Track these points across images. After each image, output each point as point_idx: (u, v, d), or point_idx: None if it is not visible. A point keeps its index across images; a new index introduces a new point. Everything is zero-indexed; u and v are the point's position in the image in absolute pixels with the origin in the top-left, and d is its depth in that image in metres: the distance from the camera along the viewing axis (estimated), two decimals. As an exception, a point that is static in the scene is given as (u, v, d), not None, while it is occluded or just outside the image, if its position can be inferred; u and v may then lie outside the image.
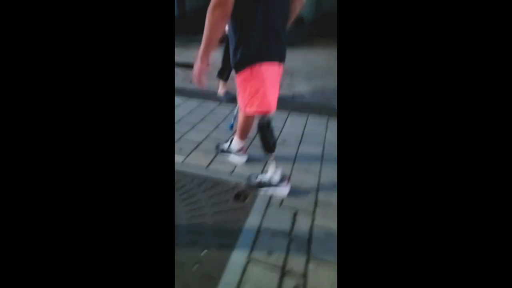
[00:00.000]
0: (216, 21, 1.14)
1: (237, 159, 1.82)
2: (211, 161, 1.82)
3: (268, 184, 1.55)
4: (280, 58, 1.37)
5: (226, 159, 1.85)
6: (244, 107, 1.45)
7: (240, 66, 1.31)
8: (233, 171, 1.74)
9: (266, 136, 1.48)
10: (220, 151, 1.91)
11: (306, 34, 5.67)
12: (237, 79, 1.38)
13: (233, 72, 1.41)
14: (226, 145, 1.87)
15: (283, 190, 1.55)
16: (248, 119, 1.65)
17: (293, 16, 1.42)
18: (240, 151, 1.81)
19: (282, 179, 1.54)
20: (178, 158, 1.83)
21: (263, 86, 1.35)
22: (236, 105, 1.94)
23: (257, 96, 1.37)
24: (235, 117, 1.95)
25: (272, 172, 1.54)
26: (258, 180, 1.59)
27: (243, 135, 1.76)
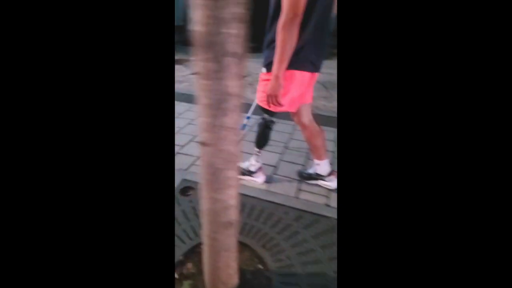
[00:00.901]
0: (291, 35, 1.10)
1: (331, 185, 1.64)
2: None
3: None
4: (315, 67, 1.34)
5: (316, 185, 1.67)
6: (260, 100, 1.43)
7: (271, 67, 1.24)
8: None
9: (264, 133, 1.54)
10: (305, 178, 1.72)
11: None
12: (263, 77, 1.35)
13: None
14: (311, 170, 1.69)
15: (259, 179, 1.69)
16: (315, 135, 1.53)
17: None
18: (331, 174, 1.63)
19: (258, 170, 1.69)
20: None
21: (290, 92, 1.33)
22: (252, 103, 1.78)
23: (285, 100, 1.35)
24: (249, 117, 1.78)
25: (251, 163, 1.67)
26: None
27: (321, 155, 1.59)
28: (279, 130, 2.27)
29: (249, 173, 1.69)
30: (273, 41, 1.20)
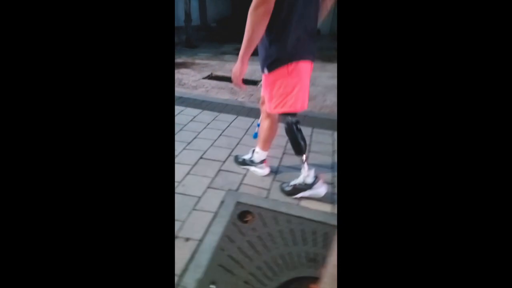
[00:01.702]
0: (259, 20, 1.11)
1: (259, 172, 1.75)
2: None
3: (303, 187, 1.52)
4: (313, 56, 1.36)
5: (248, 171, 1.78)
6: (274, 107, 1.40)
7: (275, 65, 1.28)
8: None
9: (296, 137, 1.43)
10: (239, 163, 1.83)
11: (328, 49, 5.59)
12: (269, 78, 1.35)
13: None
14: (247, 156, 1.79)
15: (320, 191, 1.52)
16: (272, 127, 1.59)
17: (324, 14, 1.41)
18: (262, 163, 1.74)
19: (316, 180, 1.51)
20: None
21: (300, 84, 1.33)
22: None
23: (292, 94, 1.34)
24: (260, 124, 1.85)
25: (305, 175, 1.50)
26: (292, 185, 1.55)
27: (266, 145, 1.69)
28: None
29: (308, 186, 1.53)
30: (271, 40, 1.24)
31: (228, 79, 3.52)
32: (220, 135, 2.23)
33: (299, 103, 1.37)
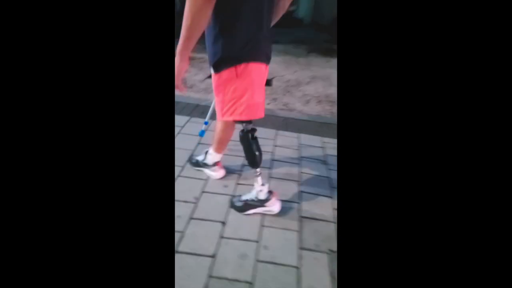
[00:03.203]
0: (199, 7, 0.91)
1: (213, 174, 1.63)
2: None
3: (256, 203, 1.38)
4: (267, 59, 1.21)
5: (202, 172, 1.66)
6: (223, 114, 1.23)
7: (221, 65, 1.10)
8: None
9: (250, 147, 1.28)
10: (193, 164, 1.70)
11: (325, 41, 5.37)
12: (216, 80, 1.17)
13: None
14: (200, 158, 1.66)
15: (273, 208, 1.39)
16: (227, 129, 1.45)
17: (280, 14, 1.27)
18: (215, 165, 1.62)
19: (269, 195, 1.37)
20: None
21: (251, 88, 1.16)
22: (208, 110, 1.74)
23: (242, 100, 1.17)
24: (207, 122, 1.75)
25: (258, 189, 1.35)
26: (243, 199, 1.41)
27: (220, 148, 1.56)
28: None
29: (260, 203, 1.38)
30: (218, 35, 1.06)
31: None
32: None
33: (251, 110, 1.20)
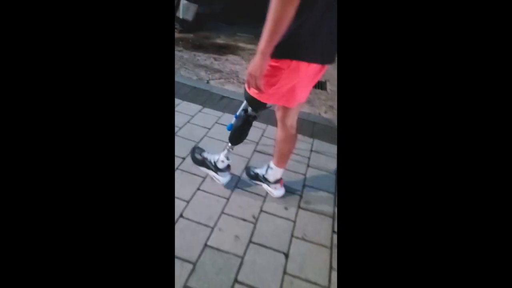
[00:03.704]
0: (288, 13, 0.84)
1: (274, 193, 1.50)
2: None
3: (211, 166, 1.50)
4: (325, 59, 1.10)
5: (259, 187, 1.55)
6: (251, 90, 1.16)
7: (279, 52, 0.99)
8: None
9: (242, 127, 1.32)
10: (251, 177, 1.57)
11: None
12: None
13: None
14: (260, 171, 1.52)
15: (222, 179, 1.50)
16: (287, 139, 1.35)
17: None
18: (277, 182, 1.49)
19: (226, 169, 1.49)
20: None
21: (294, 87, 1.12)
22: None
23: (275, 89, 1.11)
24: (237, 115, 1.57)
25: (221, 158, 1.45)
26: (204, 156, 1.53)
27: (282, 161, 1.44)
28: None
29: (215, 169, 1.48)
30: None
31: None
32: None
33: (274, 98, 1.17)
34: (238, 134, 1.35)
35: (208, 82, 2.70)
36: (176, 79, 2.48)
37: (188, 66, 2.98)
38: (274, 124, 1.42)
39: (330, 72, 3.68)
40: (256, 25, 1.27)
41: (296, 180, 1.64)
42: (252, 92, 1.15)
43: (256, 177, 1.54)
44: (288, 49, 1.00)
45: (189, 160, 1.61)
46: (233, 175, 1.57)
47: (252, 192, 1.51)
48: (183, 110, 2.08)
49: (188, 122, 1.97)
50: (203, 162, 1.53)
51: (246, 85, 1.15)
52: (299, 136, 1.44)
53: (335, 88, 3.18)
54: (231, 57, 3.53)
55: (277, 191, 1.50)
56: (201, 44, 3.75)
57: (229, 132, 1.37)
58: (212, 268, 1.12)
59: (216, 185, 1.50)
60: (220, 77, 2.81)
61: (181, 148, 1.69)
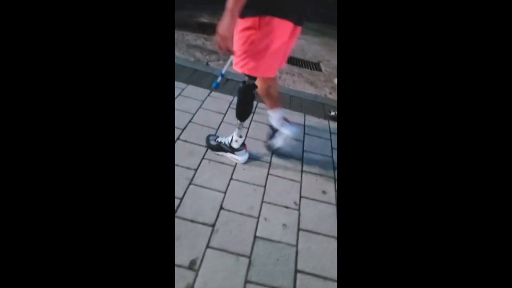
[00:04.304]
0: None
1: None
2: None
3: (227, 148, 1.45)
4: (298, 19, 1.11)
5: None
6: (235, 64, 1.19)
7: (247, 9, 0.99)
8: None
9: (244, 102, 1.29)
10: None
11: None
12: (238, 25, 1.08)
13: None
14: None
15: (240, 158, 1.46)
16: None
17: None
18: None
19: (241, 147, 1.43)
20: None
21: (270, 46, 1.09)
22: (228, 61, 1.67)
23: (257, 56, 1.11)
24: (223, 74, 1.71)
25: (234, 138, 1.41)
26: (218, 141, 1.48)
27: (274, 103, 1.44)
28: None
29: (231, 150, 1.45)
30: None
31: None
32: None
33: (262, 68, 1.16)
34: (243, 108, 1.32)
35: (207, 64, 2.53)
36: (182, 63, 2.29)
37: (181, 47, 2.76)
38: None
39: (320, 53, 3.70)
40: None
41: (326, 163, 1.61)
42: (238, 68, 1.18)
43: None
44: (258, 6, 1.00)
45: (216, 152, 1.50)
46: (262, 162, 1.50)
47: (286, 178, 1.46)
48: (191, 94, 1.93)
49: (201, 107, 1.83)
50: (219, 147, 1.47)
51: (216, 47, 1.10)
52: (315, 119, 1.48)
53: (329, 69, 3.16)
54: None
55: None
56: (186, 23, 3.49)
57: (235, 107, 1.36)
58: (269, 260, 1.07)
59: (248, 173, 1.43)
60: (218, 59, 2.64)
61: (201, 135, 1.57)
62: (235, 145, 1.42)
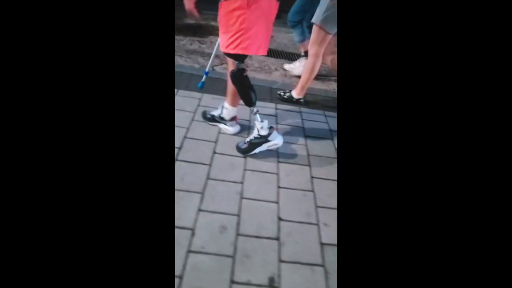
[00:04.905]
0: None
1: (230, 130, 1.61)
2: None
3: (260, 140, 1.43)
4: None
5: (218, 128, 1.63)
6: (227, 46, 1.22)
7: None
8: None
9: (245, 85, 1.31)
10: (208, 119, 1.64)
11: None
12: (224, 8, 1.13)
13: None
14: (216, 112, 1.61)
15: (277, 141, 1.44)
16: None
17: None
18: (232, 120, 1.58)
19: (270, 130, 1.42)
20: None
21: (259, 23, 1.15)
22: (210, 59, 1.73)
23: (249, 34, 1.16)
24: (207, 73, 1.76)
25: (259, 127, 1.40)
26: (247, 141, 1.46)
27: (234, 100, 1.52)
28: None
29: (263, 138, 1.44)
30: None
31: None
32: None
33: (255, 45, 1.20)
34: (246, 93, 1.34)
35: (213, 69, 2.46)
36: (179, 69, 2.21)
37: (182, 54, 2.67)
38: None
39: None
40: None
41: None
42: (231, 49, 1.21)
43: (213, 119, 1.62)
44: None
45: (255, 160, 1.47)
46: (302, 166, 1.49)
47: (329, 179, 1.46)
48: (209, 103, 1.87)
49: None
50: (252, 145, 1.45)
51: (226, 46, 1.21)
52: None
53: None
54: (214, 39, 3.25)
55: (233, 128, 1.61)
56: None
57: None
58: (343, 266, 1.07)
59: (292, 179, 1.41)
60: (222, 62, 2.58)
61: (233, 145, 1.53)
62: (263, 132, 1.42)
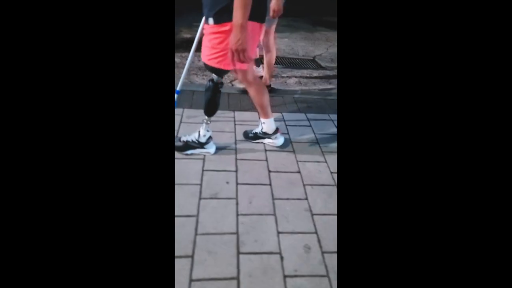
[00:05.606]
0: None
1: (275, 142, 1.64)
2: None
3: (195, 144, 1.52)
4: (262, 19, 1.31)
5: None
6: (209, 59, 1.31)
7: (224, 17, 1.16)
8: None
9: (214, 98, 1.42)
10: (251, 138, 1.67)
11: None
12: (212, 29, 1.23)
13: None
14: (257, 130, 1.64)
15: (210, 150, 1.55)
16: (260, 89, 1.50)
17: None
18: (275, 132, 1.63)
19: (209, 139, 1.53)
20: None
21: (247, 44, 1.23)
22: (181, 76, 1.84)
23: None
24: (179, 92, 1.84)
25: (202, 133, 1.51)
26: (184, 140, 1.54)
27: (267, 112, 1.58)
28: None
29: (200, 145, 1.54)
30: None
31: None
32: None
33: (245, 64, 1.29)
34: (212, 104, 1.44)
35: (232, 85, 2.46)
36: (197, 88, 2.18)
37: (195, 71, 2.64)
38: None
39: (311, 50, 3.77)
40: (198, 12, 1.34)
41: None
42: (213, 63, 1.30)
43: (256, 137, 1.66)
44: (231, 12, 1.11)
45: (311, 174, 1.49)
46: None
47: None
48: (243, 118, 1.87)
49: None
50: (186, 146, 1.53)
51: (210, 59, 1.29)
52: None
53: (327, 63, 3.28)
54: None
55: (279, 140, 1.65)
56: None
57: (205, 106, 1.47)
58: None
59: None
60: (236, 78, 2.58)
61: (283, 161, 1.55)
62: (203, 139, 1.51)
